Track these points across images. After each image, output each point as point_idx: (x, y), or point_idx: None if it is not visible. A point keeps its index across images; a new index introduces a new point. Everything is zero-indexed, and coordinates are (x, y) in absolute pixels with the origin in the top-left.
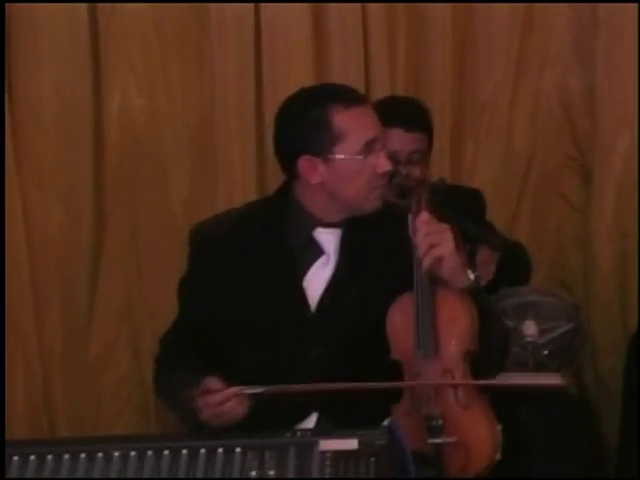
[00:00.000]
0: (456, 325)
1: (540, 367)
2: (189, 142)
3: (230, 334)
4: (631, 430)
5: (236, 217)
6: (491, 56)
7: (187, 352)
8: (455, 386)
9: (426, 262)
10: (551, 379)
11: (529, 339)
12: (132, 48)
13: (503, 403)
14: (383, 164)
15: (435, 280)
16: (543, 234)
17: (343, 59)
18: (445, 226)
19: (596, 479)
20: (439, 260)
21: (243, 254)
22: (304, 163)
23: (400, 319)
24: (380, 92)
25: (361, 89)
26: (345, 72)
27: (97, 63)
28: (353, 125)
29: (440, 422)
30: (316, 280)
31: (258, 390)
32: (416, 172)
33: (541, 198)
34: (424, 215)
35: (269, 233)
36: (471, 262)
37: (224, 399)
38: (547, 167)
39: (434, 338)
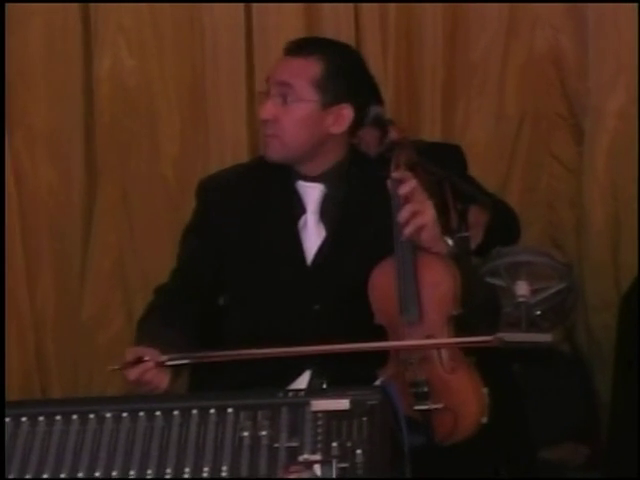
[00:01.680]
0: (438, 290)
1: (533, 326)
2: (180, 102)
3: (231, 285)
4: (624, 387)
5: (240, 171)
6: (482, 16)
7: (173, 309)
8: (439, 351)
9: (408, 231)
10: (543, 337)
11: (521, 299)
12: (122, 9)
13: (495, 363)
14: (261, 110)
15: (416, 245)
16: (535, 193)
17: (334, 22)
18: (426, 196)
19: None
20: (420, 229)
21: (245, 206)
22: None
23: (382, 285)
24: (372, 57)
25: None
26: (336, 34)
27: (87, 24)
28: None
29: (425, 389)
30: (304, 234)
31: (182, 361)
32: (392, 134)
33: (533, 157)
34: (410, 182)
35: (268, 185)
36: (463, 222)
37: (142, 371)
38: (539, 127)
39: (417, 304)
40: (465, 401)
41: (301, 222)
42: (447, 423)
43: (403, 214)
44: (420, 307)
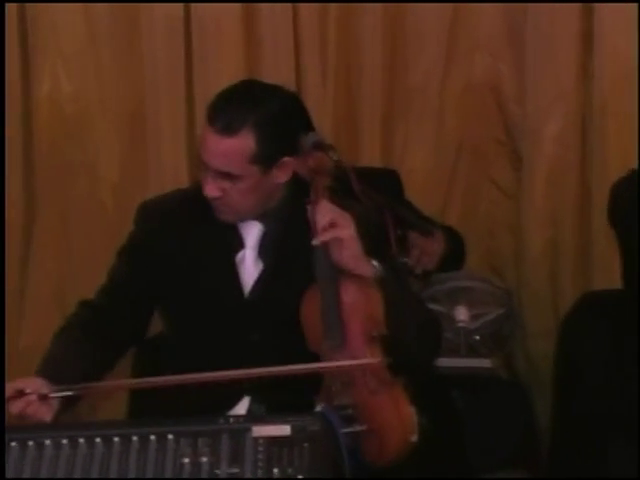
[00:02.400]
0: (358, 312)
1: (472, 352)
2: (119, 128)
3: (166, 311)
4: (562, 414)
5: (181, 196)
6: (421, 41)
7: (95, 326)
8: (364, 373)
9: (322, 238)
10: (482, 363)
11: (461, 324)
12: (61, 34)
13: (433, 389)
14: (203, 187)
15: (338, 270)
16: (474, 219)
17: (274, 50)
18: (345, 214)
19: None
20: (339, 247)
21: (183, 232)
22: None
23: (310, 312)
24: (311, 79)
25: (291, 80)
26: (276, 64)
27: (25, 48)
28: (200, 139)
29: (350, 411)
30: (242, 268)
31: (65, 393)
32: (309, 161)
33: (472, 183)
34: (323, 203)
35: (207, 214)
36: (402, 248)
37: (25, 405)
38: (477, 152)
39: (340, 328)
40: (388, 421)
41: (239, 257)
42: (373, 445)
43: (321, 222)
44: (342, 332)
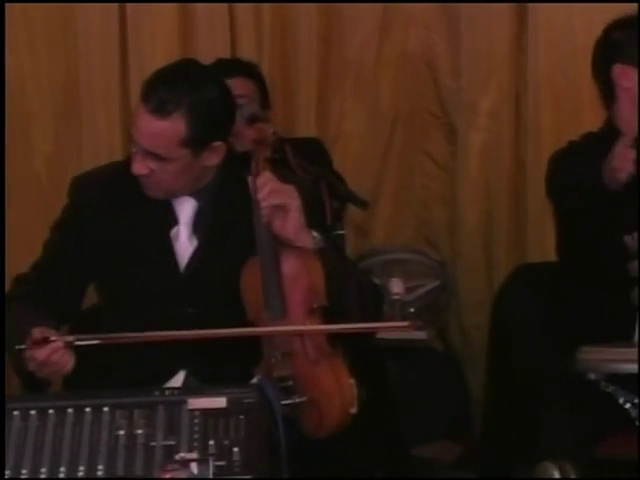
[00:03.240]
0: (299, 284)
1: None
2: (53, 100)
3: (101, 284)
4: (495, 386)
5: (114, 170)
6: (356, 15)
7: (34, 301)
8: (303, 344)
9: (269, 212)
10: (417, 335)
11: (396, 297)
12: None
13: (367, 360)
14: (132, 165)
15: (279, 242)
16: (409, 192)
17: (209, 21)
18: (289, 185)
19: None
20: (283, 218)
21: (117, 207)
22: None
23: (249, 283)
24: (246, 50)
25: (227, 52)
26: (211, 33)
27: None
28: (133, 116)
29: (290, 383)
30: (177, 244)
31: (91, 342)
32: (251, 132)
33: (407, 156)
34: (265, 174)
35: (141, 191)
36: (338, 221)
37: (51, 351)
38: (412, 125)
39: (281, 299)
40: (329, 392)
41: (173, 232)
42: (313, 416)
43: (264, 201)
44: (283, 302)
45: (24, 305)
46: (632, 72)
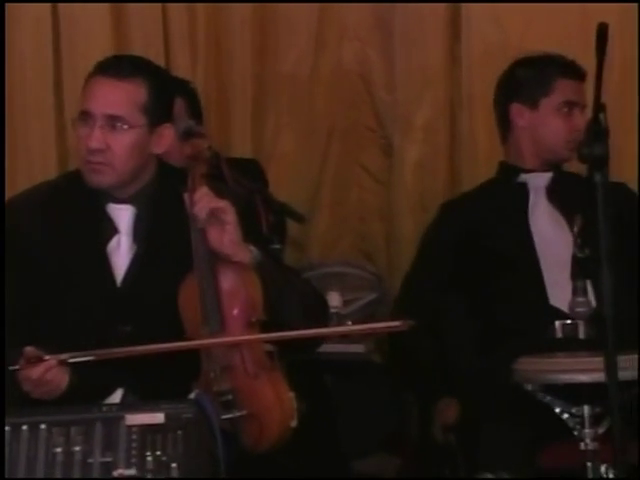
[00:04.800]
0: (237, 298)
1: (345, 337)
2: None
3: (42, 307)
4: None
5: (45, 190)
6: (291, 27)
7: None
8: (242, 358)
9: (204, 220)
10: (355, 348)
11: (333, 310)
12: None
13: (305, 373)
14: (89, 140)
15: (216, 257)
16: (345, 206)
17: (142, 36)
18: (225, 201)
19: None
20: (220, 233)
21: (52, 227)
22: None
23: (187, 299)
24: (181, 63)
25: (160, 56)
26: (145, 50)
27: None
28: (83, 92)
29: (230, 397)
30: (114, 257)
31: (85, 358)
32: (187, 148)
33: (343, 170)
34: (202, 189)
35: (74, 205)
36: (275, 234)
37: (45, 370)
38: (348, 139)
39: (219, 314)
40: (268, 406)
41: (113, 243)
42: (253, 430)
43: (201, 214)
44: (221, 316)
45: None
46: (528, 112)
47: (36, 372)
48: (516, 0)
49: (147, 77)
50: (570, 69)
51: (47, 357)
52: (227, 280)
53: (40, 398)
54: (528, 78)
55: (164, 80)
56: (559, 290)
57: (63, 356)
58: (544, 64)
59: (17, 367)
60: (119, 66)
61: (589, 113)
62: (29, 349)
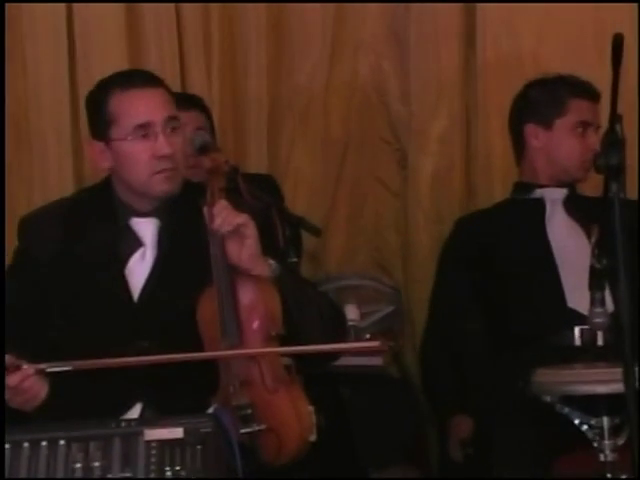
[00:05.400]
0: (256, 312)
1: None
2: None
3: (58, 325)
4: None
5: (63, 207)
6: (306, 41)
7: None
8: (261, 372)
9: (221, 233)
10: (373, 361)
11: (351, 323)
12: None
13: (322, 386)
14: (160, 147)
15: (235, 270)
16: (361, 218)
17: (158, 53)
18: (244, 214)
19: None
20: (239, 247)
21: (69, 243)
22: (93, 148)
23: (206, 312)
24: (197, 80)
25: (177, 83)
26: (161, 65)
27: None
28: (125, 108)
29: (249, 411)
30: (137, 270)
31: (63, 368)
32: (206, 162)
33: (358, 183)
34: (221, 203)
35: (93, 222)
36: (292, 248)
37: (22, 378)
38: (363, 151)
39: (237, 327)
40: (287, 420)
41: (137, 256)
42: (272, 444)
43: (221, 223)
44: (240, 331)
45: None
46: (542, 133)
47: (13, 380)
48: (530, 10)
49: (162, 82)
50: (584, 90)
51: (25, 366)
52: (246, 294)
53: (19, 408)
54: (542, 99)
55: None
56: (577, 293)
57: (41, 365)
58: (558, 85)
59: None
60: (142, 77)
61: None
62: (7, 357)
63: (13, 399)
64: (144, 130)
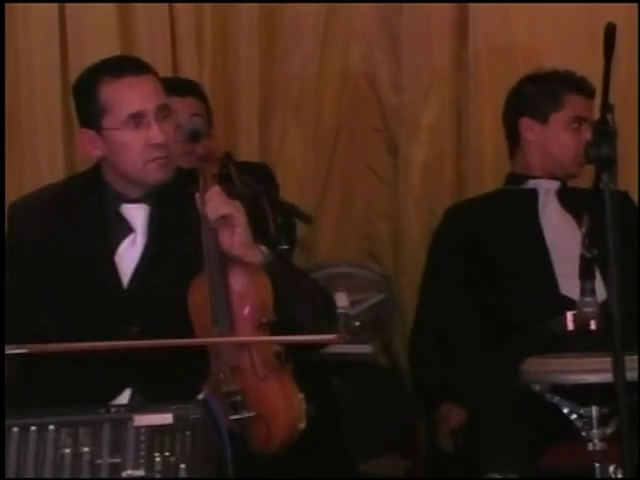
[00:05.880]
0: (247, 299)
1: (352, 338)
2: None
3: (48, 310)
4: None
5: (53, 193)
6: (298, 29)
7: None
8: (252, 359)
9: (212, 218)
10: (363, 349)
11: (340, 310)
12: None
13: (312, 375)
14: (153, 136)
15: (226, 256)
16: (352, 206)
17: (150, 38)
18: (236, 201)
19: None
20: (230, 235)
21: (59, 229)
22: (83, 136)
23: (197, 299)
24: (188, 67)
25: (169, 69)
26: (152, 52)
27: None
28: (118, 97)
29: (239, 398)
30: (127, 256)
31: (21, 350)
32: (199, 149)
33: (349, 171)
34: (214, 189)
35: (82, 209)
36: (283, 235)
37: None
38: (355, 140)
39: (228, 314)
40: (277, 408)
41: (128, 242)
42: (261, 431)
43: (212, 215)
44: (230, 317)
45: None
46: (538, 127)
47: None
48: (523, 0)
49: (151, 68)
50: (580, 85)
51: None
52: (237, 280)
53: None
54: (538, 93)
55: (169, 84)
56: (570, 280)
57: (8, 350)
58: (554, 80)
59: None
60: (133, 64)
61: None
62: None
63: None
64: (136, 119)
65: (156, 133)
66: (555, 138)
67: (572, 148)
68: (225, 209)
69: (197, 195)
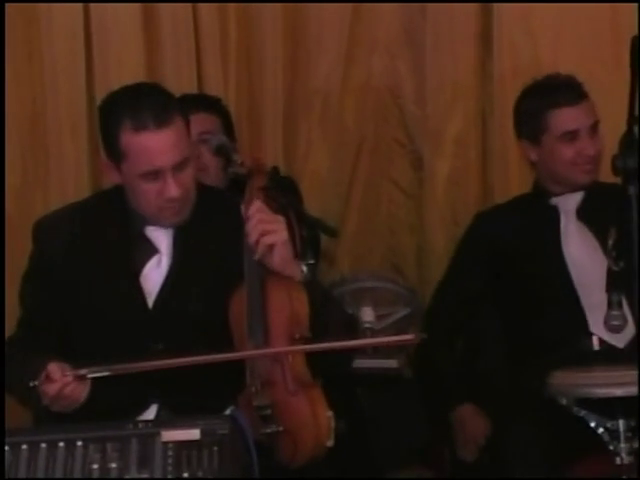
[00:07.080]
0: (284, 314)
1: (378, 352)
2: (20, 138)
3: (74, 327)
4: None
5: (77, 210)
6: (321, 42)
7: (32, 344)
8: (284, 373)
9: (259, 250)
10: (389, 363)
11: (367, 325)
12: None
13: (339, 387)
14: (168, 190)
15: (266, 270)
16: (375, 219)
17: (175, 51)
18: (279, 217)
19: None
20: (270, 249)
21: (84, 248)
22: (103, 162)
23: (237, 311)
24: (213, 79)
25: (193, 82)
26: (177, 67)
27: None
28: (136, 151)
29: (269, 411)
30: (152, 277)
31: (103, 373)
32: (247, 162)
33: (372, 184)
34: (257, 204)
35: (108, 227)
36: (309, 249)
37: (62, 386)
38: (378, 153)
39: (263, 328)
40: (304, 423)
41: (152, 263)
42: (288, 446)
43: (253, 233)
44: (266, 331)
45: (25, 352)
46: (533, 149)
47: (53, 388)
48: (547, 9)
49: (179, 109)
50: (562, 98)
51: (68, 373)
52: (275, 295)
53: (59, 411)
54: (525, 117)
55: (183, 101)
56: (599, 314)
57: (82, 371)
58: (536, 98)
59: (36, 383)
60: (155, 115)
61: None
62: (52, 367)
63: (53, 405)
64: (153, 175)
65: (171, 188)
66: (551, 157)
67: (569, 161)
68: (268, 225)
69: (242, 207)
